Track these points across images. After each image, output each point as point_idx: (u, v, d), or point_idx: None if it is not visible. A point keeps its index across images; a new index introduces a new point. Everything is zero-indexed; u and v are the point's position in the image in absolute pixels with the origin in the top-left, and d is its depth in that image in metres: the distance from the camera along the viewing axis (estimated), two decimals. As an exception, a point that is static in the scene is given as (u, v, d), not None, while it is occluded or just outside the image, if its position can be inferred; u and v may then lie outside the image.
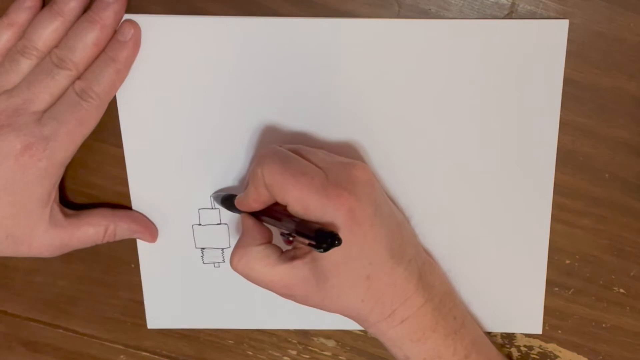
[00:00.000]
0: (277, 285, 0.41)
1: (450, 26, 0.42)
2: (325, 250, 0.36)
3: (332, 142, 0.44)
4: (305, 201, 0.38)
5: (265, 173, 0.39)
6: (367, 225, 0.39)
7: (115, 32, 0.42)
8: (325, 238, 0.36)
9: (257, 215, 0.43)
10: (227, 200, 0.44)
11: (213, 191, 0.46)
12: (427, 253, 0.46)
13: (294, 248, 0.41)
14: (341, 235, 0.36)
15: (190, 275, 0.48)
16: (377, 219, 0.39)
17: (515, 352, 0.49)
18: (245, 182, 0.43)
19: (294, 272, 0.40)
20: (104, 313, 0.51)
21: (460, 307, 0.45)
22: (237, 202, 0.43)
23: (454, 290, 0.47)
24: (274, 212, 0.41)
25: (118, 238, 0.47)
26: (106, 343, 0.52)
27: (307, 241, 0.37)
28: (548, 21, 0.41)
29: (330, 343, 0.50)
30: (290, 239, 0.40)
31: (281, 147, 0.41)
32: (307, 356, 0.51)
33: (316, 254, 0.39)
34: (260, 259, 0.41)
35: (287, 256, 0.41)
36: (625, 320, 0.47)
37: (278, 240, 0.42)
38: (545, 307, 0.47)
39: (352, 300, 0.40)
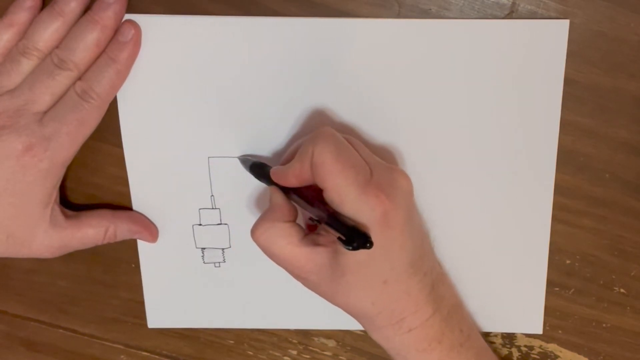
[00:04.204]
0: (293, 266, 0.41)
1: (451, 26, 0.42)
2: (355, 249, 0.36)
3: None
4: (344, 192, 0.38)
5: (316, 152, 0.38)
6: (397, 231, 0.39)
7: (115, 32, 0.42)
8: (357, 237, 0.36)
9: (286, 192, 0.42)
10: (258, 167, 0.43)
11: (214, 191, 0.46)
12: (439, 264, 0.46)
13: (318, 234, 0.41)
14: (371, 235, 0.36)
15: (190, 275, 0.48)
16: (407, 227, 0.39)
17: (515, 352, 0.49)
18: (284, 157, 0.43)
19: (314, 257, 0.40)
20: (104, 313, 0.51)
21: (467, 319, 0.45)
22: (273, 173, 0.41)
23: (462, 303, 0.47)
24: (307, 195, 0.40)
25: (118, 239, 0.46)
26: (106, 343, 0.52)
27: (337, 234, 0.37)
28: (548, 21, 0.41)
29: (331, 343, 0.50)
30: (317, 225, 0.39)
31: (336, 132, 0.40)
32: (308, 356, 0.51)
33: (340, 247, 0.39)
34: (285, 237, 0.40)
35: (310, 239, 0.41)
36: (626, 320, 0.47)
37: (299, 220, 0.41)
38: (545, 307, 0.47)
39: (362, 301, 0.40)
